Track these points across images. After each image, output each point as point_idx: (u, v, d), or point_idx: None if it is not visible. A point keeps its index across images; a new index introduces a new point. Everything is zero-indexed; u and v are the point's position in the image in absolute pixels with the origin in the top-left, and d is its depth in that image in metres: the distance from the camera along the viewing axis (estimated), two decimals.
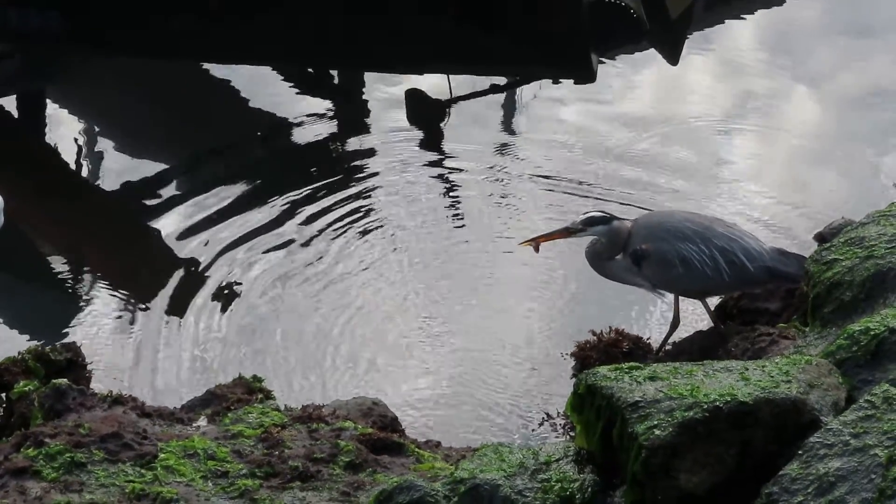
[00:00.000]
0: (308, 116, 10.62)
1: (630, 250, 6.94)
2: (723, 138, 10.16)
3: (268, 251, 8.73)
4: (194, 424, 6.06)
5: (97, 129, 10.31)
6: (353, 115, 10.73)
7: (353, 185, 9.66)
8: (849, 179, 9.57)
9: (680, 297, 7.16)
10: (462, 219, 9.14)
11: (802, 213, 9.03)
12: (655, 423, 4.85)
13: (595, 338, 7.40)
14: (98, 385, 6.84)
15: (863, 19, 11.98)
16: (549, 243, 7.17)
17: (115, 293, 8.31)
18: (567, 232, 7.00)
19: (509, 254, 8.65)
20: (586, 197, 9.27)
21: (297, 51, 11.34)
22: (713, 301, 7.29)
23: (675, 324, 7.20)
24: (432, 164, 9.91)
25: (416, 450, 5.99)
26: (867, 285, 5.93)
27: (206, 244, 8.85)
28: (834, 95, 10.80)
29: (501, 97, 10.99)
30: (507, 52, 11.15)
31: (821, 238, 7.41)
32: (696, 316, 7.41)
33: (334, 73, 11.35)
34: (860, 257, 6.05)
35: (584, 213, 7.03)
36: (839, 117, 10.46)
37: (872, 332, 5.33)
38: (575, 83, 10.91)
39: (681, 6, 11.65)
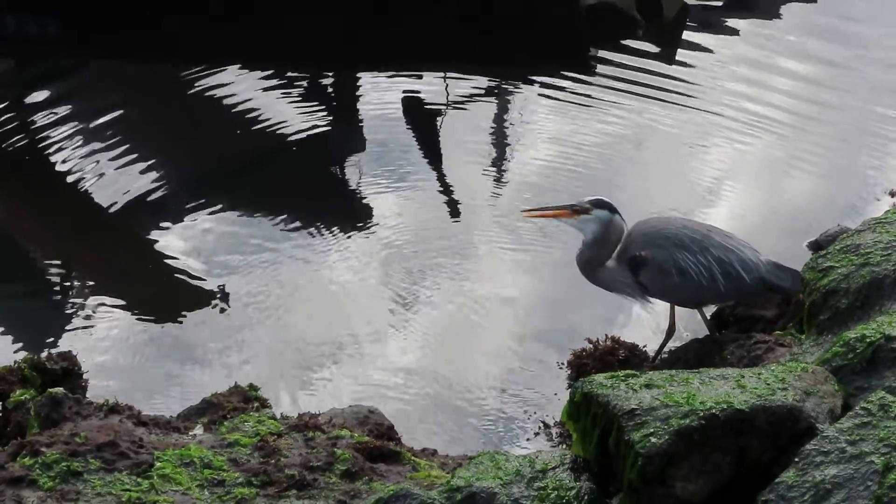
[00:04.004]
0: (301, 117, 10.62)
1: (627, 257, 6.94)
2: (713, 144, 10.16)
3: (262, 257, 8.72)
4: (190, 433, 6.06)
5: (91, 133, 10.30)
6: (346, 114, 10.73)
7: (347, 189, 9.66)
8: (842, 187, 9.58)
9: (676, 306, 7.17)
10: (458, 223, 9.13)
11: (794, 220, 9.03)
12: (651, 430, 4.85)
13: (591, 346, 7.40)
14: (94, 394, 6.84)
15: (859, 24, 11.99)
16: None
17: (111, 301, 8.29)
18: (572, 210, 6.97)
19: (506, 261, 8.65)
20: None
21: (295, 52, 11.39)
22: (709, 309, 7.29)
23: (671, 331, 7.20)
24: (428, 163, 9.91)
25: (413, 458, 5.99)
26: (863, 292, 5.93)
27: (200, 250, 8.84)
28: (829, 99, 10.80)
29: (499, 94, 11.00)
30: (505, 48, 11.19)
31: (816, 246, 7.42)
32: (691, 324, 7.41)
33: (330, 73, 11.36)
34: (856, 265, 6.06)
35: (594, 196, 7.02)
36: (833, 122, 10.46)
37: (868, 340, 5.33)
38: (572, 80, 10.94)
39: (676, 5, 11.69)
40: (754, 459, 4.88)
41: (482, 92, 10.99)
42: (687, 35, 11.81)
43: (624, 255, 6.96)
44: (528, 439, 7.09)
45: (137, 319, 8.12)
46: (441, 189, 9.54)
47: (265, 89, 11.00)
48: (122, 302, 8.28)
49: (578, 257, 7.03)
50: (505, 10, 11.42)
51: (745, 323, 7.40)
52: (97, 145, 10.08)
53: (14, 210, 9.53)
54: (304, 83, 11.24)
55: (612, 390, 5.07)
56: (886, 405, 4.78)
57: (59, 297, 8.52)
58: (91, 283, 8.59)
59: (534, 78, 11.05)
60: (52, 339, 7.88)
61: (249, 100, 10.80)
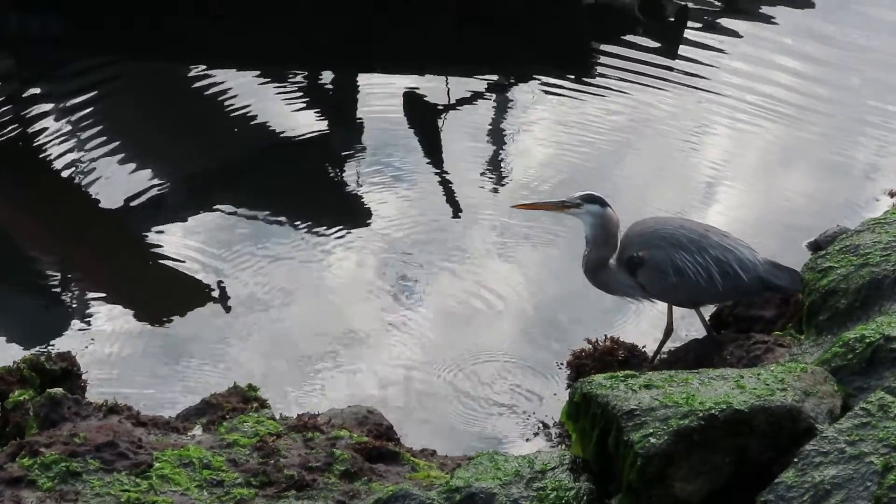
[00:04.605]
0: (301, 117, 10.62)
1: (625, 257, 6.93)
2: (711, 145, 10.16)
3: (261, 257, 8.71)
4: (189, 433, 6.05)
5: (91, 133, 10.30)
6: (346, 114, 10.73)
7: (346, 189, 9.66)
8: (841, 186, 9.58)
9: (673, 306, 7.16)
10: (458, 221, 9.12)
11: (793, 221, 9.03)
12: (651, 431, 4.85)
13: (590, 346, 7.40)
14: (93, 394, 6.83)
15: (860, 25, 12.00)
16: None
17: (110, 302, 8.29)
18: (562, 205, 6.97)
19: (505, 260, 8.65)
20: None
21: (295, 51, 11.40)
22: (709, 309, 7.29)
23: (669, 331, 7.20)
24: (429, 162, 9.90)
25: (412, 458, 5.99)
26: (862, 293, 5.93)
27: (199, 250, 8.84)
28: (827, 100, 10.80)
29: (499, 97, 11.00)
30: (506, 48, 11.20)
31: (815, 246, 7.41)
32: (691, 324, 7.41)
33: (329, 72, 11.36)
34: (855, 265, 6.05)
35: (583, 191, 7.01)
36: (832, 122, 10.46)
37: (867, 340, 5.33)
38: (573, 80, 10.95)
39: (677, 4, 11.74)
40: (753, 460, 4.88)
41: (483, 91, 10.99)
42: (686, 34, 11.83)
43: (622, 256, 6.96)
44: (527, 439, 7.09)
45: (136, 320, 8.11)
46: (441, 187, 9.53)
47: (265, 89, 10.99)
48: (121, 302, 8.28)
49: (585, 261, 7.00)
50: (506, 9, 11.42)
51: (744, 323, 7.40)
52: (97, 144, 10.07)
53: (13, 210, 9.53)
54: (304, 83, 11.24)
55: (612, 391, 5.06)
56: (885, 405, 4.78)
57: (58, 297, 8.52)
58: (90, 283, 8.58)
59: (535, 76, 11.05)
60: (50, 340, 7.88)
61: (249, 99, 10.79)
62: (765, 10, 12.35)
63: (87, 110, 10.59)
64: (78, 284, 8.61)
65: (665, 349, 7.25)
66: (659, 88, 10.93)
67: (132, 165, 9.80)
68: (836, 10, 12.38)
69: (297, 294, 8.35)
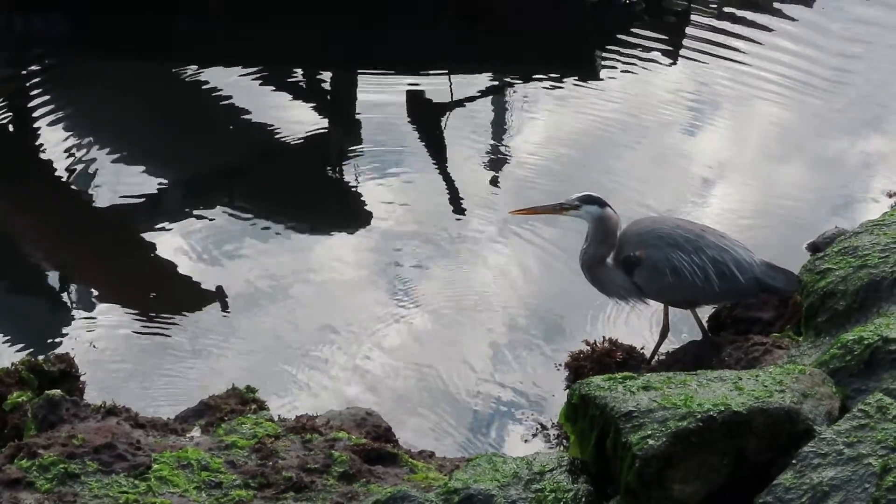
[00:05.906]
0: (301, 116, 10.63)
1: (622, 257, 6.92)
2: (710, 147, 10.17)
3: (260, 258, 8.72)
4: (188, 435, 6.06)
5: (91, 135, 10.30)
6: (345, 113, 10.73)
7: (345, 189, 9.66)
8: (840, 188, 9.58)
9: (669, 307, 7.16)
10: (457, 221, 9.13)
11: (792, 223, 9.03)
12: (649, 432, 4.85)
13: (588, 347, 7.39)
14: (91, 396, 6.83)
15: (858, 28, 12.01)
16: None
17: (109, 304, 8.29)
18: (560, 208, 6.95)
19: (504, 260, 8.65)
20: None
21: (296, 51, 11.42)
22: (706, 310, 7.28)
23: (665, 332, 7.19)
24: (431, 160, 9.90)
25: (410, 460, 5.99)
26: (861, 294, 5.94)
27: (198, 251, 8.84)
28: (824, 103, 10.80)
29: (502, 96, 11.01)
30: (509, 50, 11.22)
31: (814, 248, 7.42)
32: (689, 325, 7.40)
33: (329, 71, 11.37)
34: (854, 266, 6.06)
35: (581, 192, 6.99)
36: (828, 126, 10.47)
37: (866, 342, 5.34)
38: (575, 77, 10.97)
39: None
40: (752, 461, 4.88)
41: (485, 89, 11.00)
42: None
43: (618, 256, 6.95)
44: (525, 441, 7.08)
45: (135, 321, 8.12)
46: (442, 186, 9.53)
47: (264, 88, 11.01)
48: (119, 303, 8.28)
49: (582, 257, 6.99)
50: (508, 9, 11.44)
51: (742, 325, 7.39)
52: (97, 145, 10.08)
53: (13, 210, 9.53)
54: (303, 82, 11.25)
55: (610, 392, 5.07)
56: (884, 407, 4.79)
57: (56, 298, 8.51)
58: (88, 283, 8.58)
59: (537, 74, 11.06)
60: (49, 341, 7.88)
61: (249, 99, 10.80)
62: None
63: (88, 110, 10.59)
64: (76, 285, 8.61)
65: (663, 350, 7.25)
66: (661, 83, 10.95)
67: (131, 165, 9.80)
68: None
69: (296, 295, 8.35)
